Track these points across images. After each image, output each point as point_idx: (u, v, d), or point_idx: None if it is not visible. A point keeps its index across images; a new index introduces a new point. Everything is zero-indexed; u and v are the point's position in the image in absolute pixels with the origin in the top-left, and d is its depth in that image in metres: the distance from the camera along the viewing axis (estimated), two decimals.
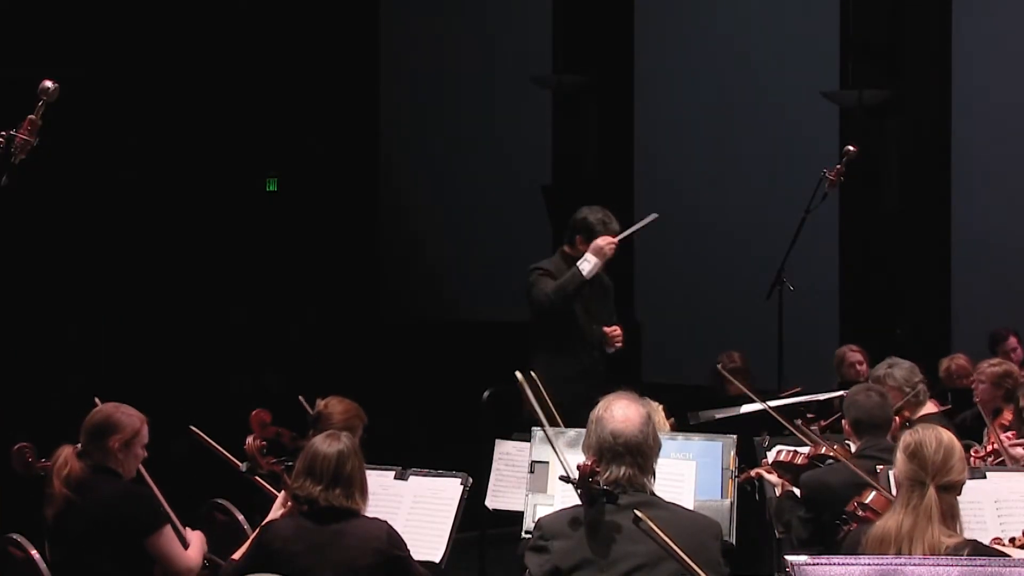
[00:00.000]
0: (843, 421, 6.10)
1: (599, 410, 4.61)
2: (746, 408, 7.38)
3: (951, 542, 4.26)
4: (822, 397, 7.08)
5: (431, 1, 13.69)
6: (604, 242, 7.71)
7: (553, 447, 5.09)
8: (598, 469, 4.49)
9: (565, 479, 4.64)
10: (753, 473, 6.43)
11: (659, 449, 4.61)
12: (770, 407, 6.56)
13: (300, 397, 6.54)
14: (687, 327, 8.25)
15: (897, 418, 6.25)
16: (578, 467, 4.51)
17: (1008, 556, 4.53)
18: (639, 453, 4.51)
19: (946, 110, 11.27)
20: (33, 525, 5.76)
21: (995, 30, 11.17)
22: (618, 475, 4.49)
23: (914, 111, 11.38)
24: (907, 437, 4.48)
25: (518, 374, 5.54)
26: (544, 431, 5.25)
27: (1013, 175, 11.00)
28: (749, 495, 6.24)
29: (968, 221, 11.15)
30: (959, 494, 4.44)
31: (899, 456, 4.45)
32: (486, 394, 7.18)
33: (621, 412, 4.56)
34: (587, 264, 7.71)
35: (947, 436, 4.48)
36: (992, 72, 11.09)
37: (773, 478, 6.34)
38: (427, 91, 13.49)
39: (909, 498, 4.35)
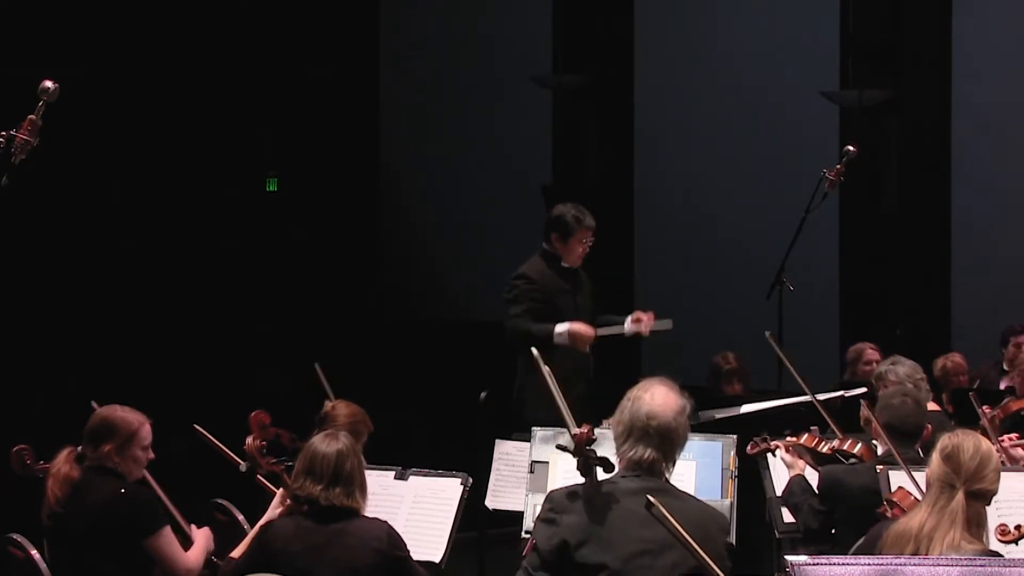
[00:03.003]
0: (873, 421, 6.06)
1: (637, 390, 4.57)
2: (746, 408, 7.40)
3: (971, 548, 4.23)
4: (822, 397, 7.06)
5: (431, 1, 13.68)
6: (584, 335, 7.79)
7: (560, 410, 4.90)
8: (594, 437, 4.47)
9: (562, 448, 4.61)
10: (773, 445, 6.38)
11: (685, 443, 4.60)
12: (817, 399, 6.59)
13: (317, 365, 6.55)
14: (687, 327, 8.24)
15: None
16: (573, 435, 4.49)
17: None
18: (667, 439, 4.49)
19: (946, 110, 11.25)
20: (33, 525, 5.77)
21: (994, 31, 11.16)
22: (642, 455, 4.48)
23: (914, 111, 11.37)
24: (945, 440, 4.45)
25: (534, 350, 5.39)
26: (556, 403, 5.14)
27: (1013, 175, 10.99)
28: (749, 495, 6.22)
29: (968, 221, 11.14)
30: (988, 503, 4.41)
31: (934, 457, 4.42)
32: (483, 395, 7.17)
33: (661, 396, 4.54)
34: (560, 338, 7.78)
35: (985, 444, 4.44)
36: (992, 72, 11.08)
37: (788, 458, 6.29)
38: (427, 91, 13.47)
39: (937, 499, 4.32)
